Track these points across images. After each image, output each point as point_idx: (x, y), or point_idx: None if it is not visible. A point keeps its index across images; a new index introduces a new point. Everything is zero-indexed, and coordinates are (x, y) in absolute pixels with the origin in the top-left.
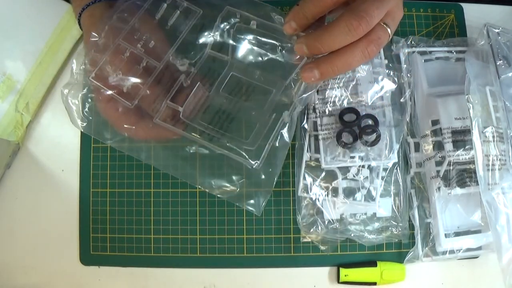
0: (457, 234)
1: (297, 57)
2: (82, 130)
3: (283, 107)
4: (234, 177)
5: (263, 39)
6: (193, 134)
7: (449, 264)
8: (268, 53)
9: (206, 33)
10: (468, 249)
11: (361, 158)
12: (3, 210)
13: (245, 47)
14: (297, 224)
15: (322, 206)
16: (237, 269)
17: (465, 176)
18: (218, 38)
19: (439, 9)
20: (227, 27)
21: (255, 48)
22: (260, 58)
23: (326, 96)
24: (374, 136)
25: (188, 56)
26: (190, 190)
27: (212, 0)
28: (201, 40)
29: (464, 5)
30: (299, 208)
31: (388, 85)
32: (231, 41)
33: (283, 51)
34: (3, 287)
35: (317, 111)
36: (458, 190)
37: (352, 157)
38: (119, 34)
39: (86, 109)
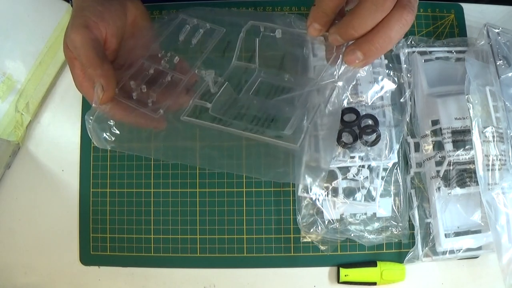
0: (457, 234)
1: (329, 51)
2: (111, 148)
3: (318, 96)
4: (282, 158)
5: (289, 44)
6: (228, 127)
7: (449, 264)
8: (296, 57)
9: (231, 46)
10: (468, 249)
11: (361, 158)
12: (3, 210)
13: (271, 55)
14: (297, 224)
15: (322, 206)
16: (237, 269)
17: (465, 176)
18: (243, 49)
19: (439, 9)
20: (252, 37)
21: (282, 54)
22: (288, 63)
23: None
24: (374, 136)
25: (215, 69)
26: (190, 190)
27: (234, 19)
28: (227, 54)
29: (464, 5)
30: (299, 208)
31: (388, 85)
32: (257, 51)
33: (312, 52)
34: (3, 287)
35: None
36: (458, 190)
37: (352, 157)
38: (143, 56)
39: (113, 128)
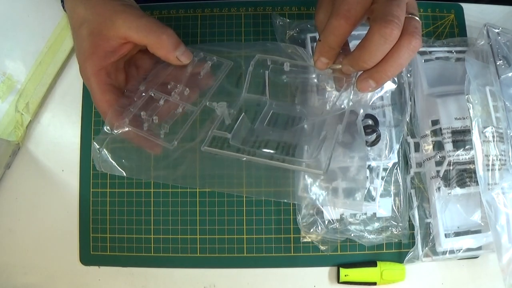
0: (457, 234)
1: (338, 80)
2: (126, 175)
3: (335, 123)
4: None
5: (298, 76)
6: (254, 157)
7: (449, 264)
8: (305, 88)
9: (241, 82)
10: (468, 249)
11: (361, 158)
12: (3, 210)
13: (282, 89)
14: (297, 224)
15: (322, 206)
16: (237, 269)
17: (465, 176)
18: (254, 85)
19: (439, 9)
20: (261, 70)
21: (292, 87)
22: (298, 95)
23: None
24: (374, 136)
25: (226, 101)
26: (190, 190)
27: (239, 52)
28: (239, 86)
29: (464, 5)
30: (299, 208)
31: (388, 85)
32: (267, 83)
33: (320, 82)
34: (3, 287)
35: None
36: (458, 190)
37: (352, 157)
38: (151, 86)
39: (125, 155)
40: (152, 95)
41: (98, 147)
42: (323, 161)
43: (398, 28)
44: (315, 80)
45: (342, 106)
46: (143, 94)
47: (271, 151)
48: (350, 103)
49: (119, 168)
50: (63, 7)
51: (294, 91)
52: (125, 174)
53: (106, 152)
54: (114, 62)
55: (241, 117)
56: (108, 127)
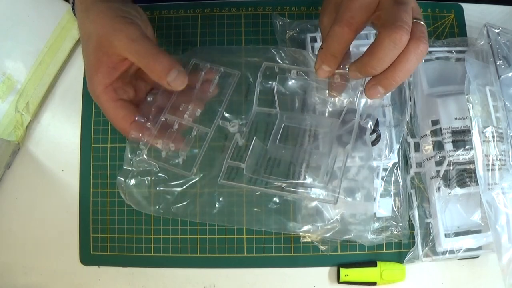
0: (457, 234)
1: (337, 87)
2: (154, 214)
3: (345, 138)
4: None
5: (306, 84)
6: (264, 186)
7: (449, 264)
8: (314, 97)
9: (250, 92)
10: (468, 249)
11: (361, 158)
12: (3, 210)
13: (290, 97)
14: None
15: (322, 206)
16: (237, 269)
17: (465, 176)
18: (262, 93)
19: (439, 9)
20: (269, 81)
21: (300, 95)
22: (307, 104)
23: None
24: (374, 136)
25: (238, 117)
26: (190, 190)
27: (248, 59)
28: (247, 99)
29: (464, 5)
30: (299, 208)
31: None
32: (275, 94)
33: (328, 91)
34: (3, 287)
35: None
36: (458, 190)
37: (352, 157)
38: (163, 110)
39: (155, 191)
40: (165, 119)
41: (123, 181)
42: (333, 190)
43: (407, 33)
44: (322, 87)
45: (351, 119)
46: (156, 120)
47: (282, 182)
48: (360, 109)
49: (146, 204)
50: (74, 14)
51: (302, 99)
52: (152, 212)
53: (132, 186)
54: (118, 77)
55: (252, 142)
56: (127, 166)
